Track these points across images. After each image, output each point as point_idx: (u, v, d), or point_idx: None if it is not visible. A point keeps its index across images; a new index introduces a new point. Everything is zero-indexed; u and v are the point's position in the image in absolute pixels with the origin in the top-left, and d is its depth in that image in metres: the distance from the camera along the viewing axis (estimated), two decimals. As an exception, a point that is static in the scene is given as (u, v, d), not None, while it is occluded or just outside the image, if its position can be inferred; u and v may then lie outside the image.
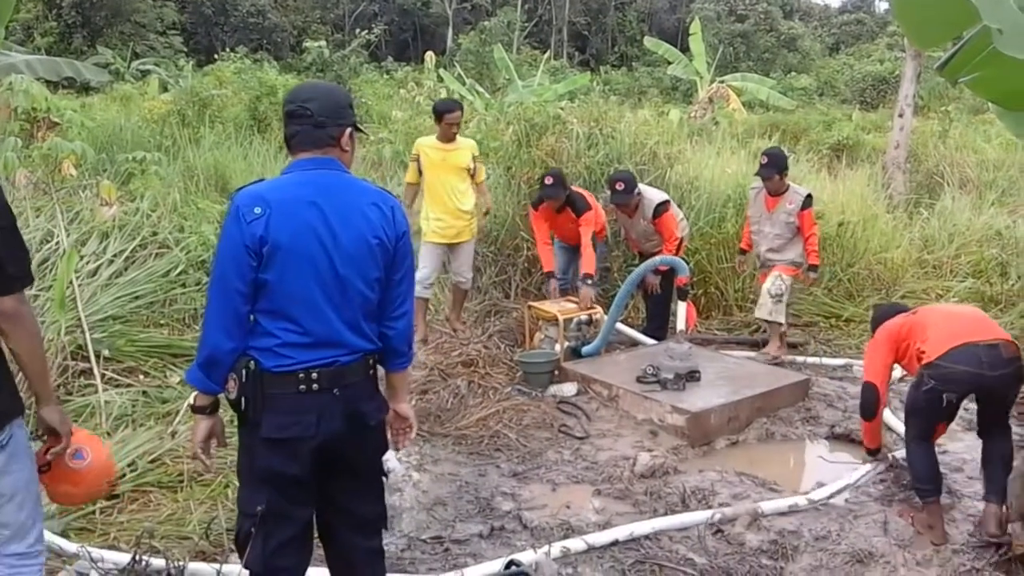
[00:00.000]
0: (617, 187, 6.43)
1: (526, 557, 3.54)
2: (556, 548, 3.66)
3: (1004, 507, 3.74)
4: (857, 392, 5.78)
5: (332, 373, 2.50)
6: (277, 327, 2.47)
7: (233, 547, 3.49)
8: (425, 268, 6.45)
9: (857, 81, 30.46)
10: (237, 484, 3.87)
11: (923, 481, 3.96)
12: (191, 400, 2.58)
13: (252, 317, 2.50)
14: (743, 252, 6.94)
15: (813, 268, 6.55)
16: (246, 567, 2.59)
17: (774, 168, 6.36)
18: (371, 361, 2.63)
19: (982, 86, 3.39)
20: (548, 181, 6.37)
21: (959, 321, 4.06)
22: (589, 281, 6.27)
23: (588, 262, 6.30)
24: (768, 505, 4.13)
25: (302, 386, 2.47)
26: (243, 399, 2.50)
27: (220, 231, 2.48)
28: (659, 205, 6.48)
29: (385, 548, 2.92)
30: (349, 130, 2.60)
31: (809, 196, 6.44)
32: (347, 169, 2.61)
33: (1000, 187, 11.45)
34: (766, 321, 6.51)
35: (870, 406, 4.27)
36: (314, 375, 2.47)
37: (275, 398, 2.46)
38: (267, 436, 2.46)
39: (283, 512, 2.52)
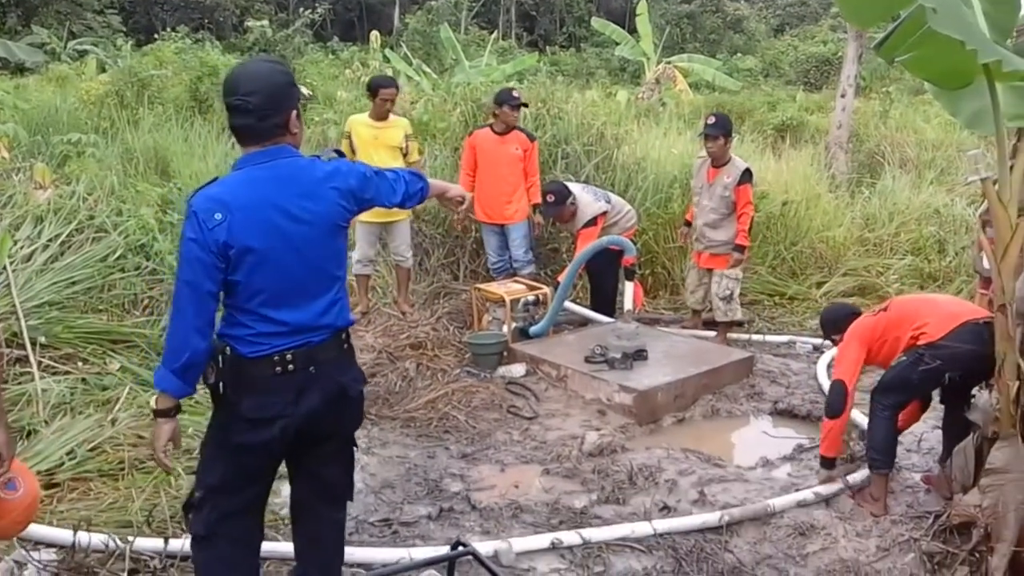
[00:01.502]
0: (548, 199, 6.42)
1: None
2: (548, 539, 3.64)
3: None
4: (800, 368, 5.95)
5: (306, 353, 2.56)
6: (250, 319, 2.52)
7: (178, 531, 3.47)
8: (361, 248, 6.52)
9: (801, 62, 30.77)
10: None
11: (880, 452, 3.99)
12: (153, 404, 2.57)
13: (223, 310, 2.55)
14: (688, 224, 6.60)
15: (739, 248, 6.17)
16: (190, 531, 2.68)
17: (721, 128, 6.08)
18: (343, 336, 2.69)
19: (918, 66, 3.43)
20: (515, 94, 6.73)
21: (947, 304, 4.11)
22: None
23: (535, 192, 6.70)
24: (779, 501, 3.99)
25: (278, 368, 2.52)
26: (220, 383, 2.55)
27: (181, 235, 2.47)
28: (589, 221, 6.38)
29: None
30: (296, 111, 2.56)
31: (748, 171, 6.11)
32: (298, 150, 2.59)
33: (939, 166, 11.67)
34: (724, 322, 6.37)
35: (838, 403, 4.08)
36: (288, 356, 2.53)
37: (254, 380, 2.52)
38: (248, 416, 2.51)
39: (234, 485, 2.59)
